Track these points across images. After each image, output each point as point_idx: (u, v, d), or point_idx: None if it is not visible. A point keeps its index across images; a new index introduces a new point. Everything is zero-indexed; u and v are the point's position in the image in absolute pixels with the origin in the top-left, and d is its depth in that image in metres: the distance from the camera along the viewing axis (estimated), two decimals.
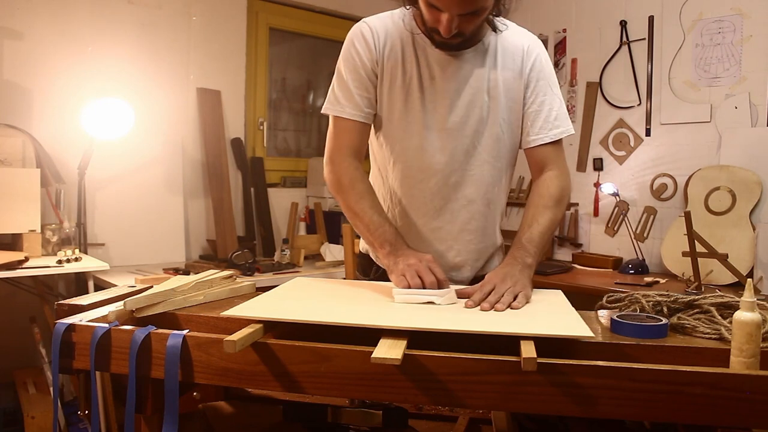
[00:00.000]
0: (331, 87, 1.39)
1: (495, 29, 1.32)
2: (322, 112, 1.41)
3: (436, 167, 1.35)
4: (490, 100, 1.33)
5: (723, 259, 2.38)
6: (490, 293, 1.13)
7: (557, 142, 1.37)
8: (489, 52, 1.34)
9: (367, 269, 1.52)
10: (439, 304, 1.10)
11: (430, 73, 1.33)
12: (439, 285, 1.17)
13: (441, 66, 1.32)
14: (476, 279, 1.41)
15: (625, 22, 3.08)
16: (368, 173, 1.43)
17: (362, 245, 1.54)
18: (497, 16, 1.30)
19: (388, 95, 1.34)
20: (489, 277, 1.19)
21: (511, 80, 1.35)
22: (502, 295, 1.11)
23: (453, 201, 1.37)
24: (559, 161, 1.38)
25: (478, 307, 1.09)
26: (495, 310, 1.07)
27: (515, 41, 1.37)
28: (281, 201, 3.50)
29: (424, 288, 1.16)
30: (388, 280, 1.30)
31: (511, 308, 1.09)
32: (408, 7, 1.30)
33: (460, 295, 1.16)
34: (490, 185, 1.38)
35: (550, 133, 1.35)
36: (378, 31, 1.34)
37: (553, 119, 1.35)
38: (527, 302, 1.13)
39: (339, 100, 1.36)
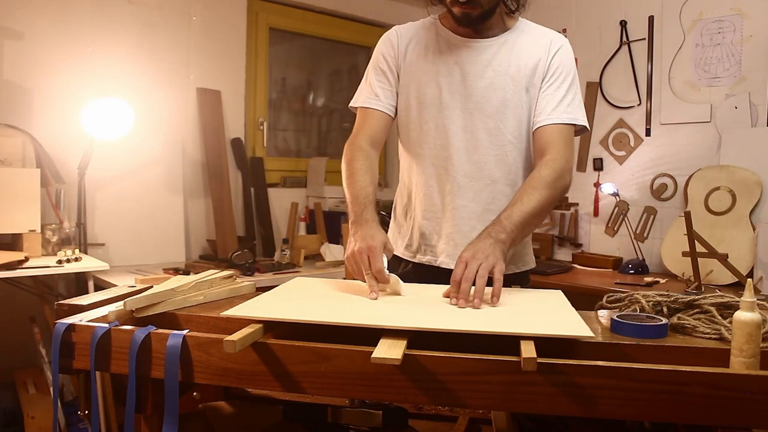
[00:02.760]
0: (359, 88, 1.52)
1: (512, 11, 1.43)
2: (348, 106, 1.54)
3: (458, 144, 1.41)
4: (513, 84, 1.39)
5: (723, 259, 2.38)
6: (461, 280, 1.12)
7: (564, 131, 1.37)
8: (513, 42, 1.42)
9: (395, 267, 1.52)
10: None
11: (454, 59, 1.41)
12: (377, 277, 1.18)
13: (463, 52, 1.41)
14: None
15: (625, 22, 3.08)
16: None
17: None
18: (516, 9, 1.42)
19: (413, 84, 1.44)
20: (460, 257, 1.17)
21: (534, 67, 1.40)
22: (475, 277, 1.10)
23: (476, 180, 1.41)
24: (561, 148, 1.35)
25: (479, 307, 1.08)
26: (473, 307, 1.07)
27: (541, 34, 1.44)
28: (281, 201, 3.50)
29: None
30: (412, 278, 1.38)
31: (492, 303, 1.09)
32: (435, 3, 1.42)
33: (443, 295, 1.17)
34: (514, 166, 1.42)
35: (562, 115, 1.36)
36: (402, 32, 1.49)
37: (566, 105, 1.37)
38: (501, 276, 1.13)
39: (360, 94, 1.50)
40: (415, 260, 1.49)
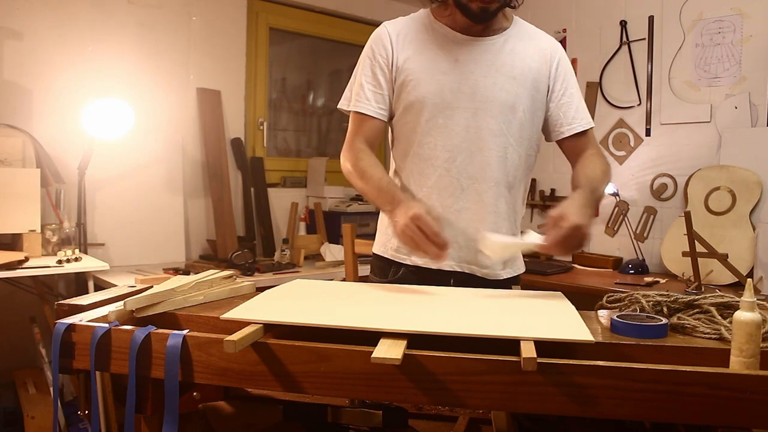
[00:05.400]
0: (348, 86, 1.46)
1: (514, 7, 1.40)
2: (337, 107, 1.49)
3: (462, 145, 1.37)
4: (517, 87, 1.38)
5: (723, 259, 2.38)
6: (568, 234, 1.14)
7: (590, 131, 1.46)
8: (514, 43, 1.40)
9: (386, 270, 1.48)
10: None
11: (454, 57, 1.38)
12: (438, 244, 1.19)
13: (464, 50, 1.38)
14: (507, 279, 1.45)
15: (625, 22, 3.08)
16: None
17: (376, 246, 1.52)
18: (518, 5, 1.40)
19: (411, 83, 1.38)
20: (574, 219, 1.14)
21: (537, 71, 1.40)
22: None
23: (480, 181, 1.38)
24: (597, 144, 1.48)
25: (478, 308, 1.08)
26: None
27: (538, 37, 1.45)
28: (281, 201, 3.50)
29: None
30: (409, 282, 1.38)
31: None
32: (433, 2, 1.41)
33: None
34: (512, 168, 1.40)
35: (582, 122, 1.44)
36: (394, 29, 1.42)
37: (583, 110, 1.45)
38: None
39: (351, 96, 1.44)
40: (410, 262, 1.43)
